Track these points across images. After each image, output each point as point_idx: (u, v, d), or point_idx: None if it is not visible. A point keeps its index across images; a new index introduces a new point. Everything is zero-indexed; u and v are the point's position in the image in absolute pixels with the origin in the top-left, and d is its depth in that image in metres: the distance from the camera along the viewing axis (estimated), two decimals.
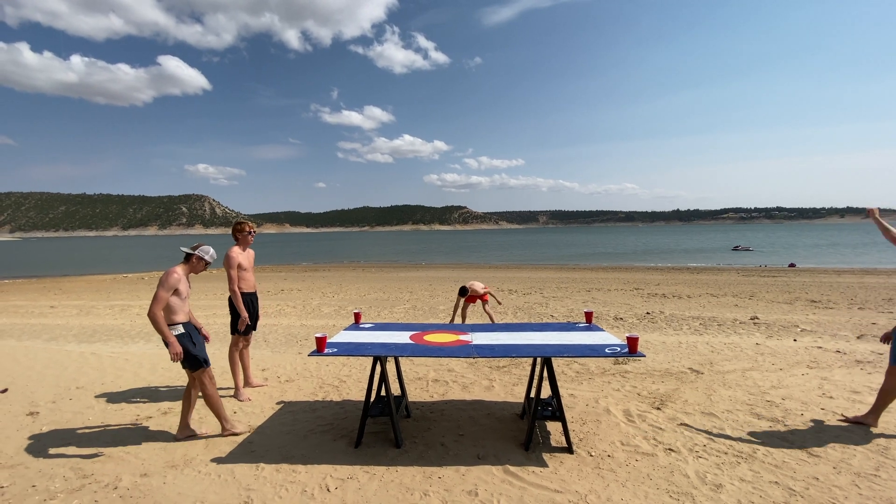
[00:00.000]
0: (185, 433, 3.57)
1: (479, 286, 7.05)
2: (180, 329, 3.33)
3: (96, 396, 4.59)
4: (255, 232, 4.56)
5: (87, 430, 3.77)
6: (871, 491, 2.71)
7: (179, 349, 3.26)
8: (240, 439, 3.54)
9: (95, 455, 3.32)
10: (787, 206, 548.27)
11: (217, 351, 6.38)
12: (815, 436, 3.44)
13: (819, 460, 3.08)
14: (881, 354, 5.54)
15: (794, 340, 6.43)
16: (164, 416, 4.05)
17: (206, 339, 3.75)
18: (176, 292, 3.31)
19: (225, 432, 3.56)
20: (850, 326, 7.30)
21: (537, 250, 46.32)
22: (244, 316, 4.39)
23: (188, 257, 3.44)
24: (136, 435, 3.67)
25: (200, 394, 3.52)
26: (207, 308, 10.39)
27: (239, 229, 4.50)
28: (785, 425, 3.63)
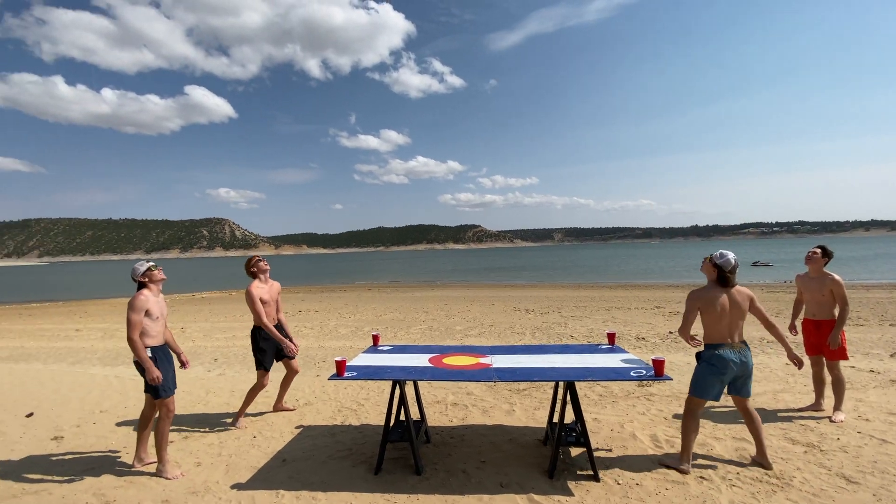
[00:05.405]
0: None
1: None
2: (149, 353, 3.32)
3: (119, 420, 4.65)
4: (264, 263, 4.36)
5: (110, 455, 3.81)
6: None
7: (157, 374, 3.28)
8: (260, 464, 3.52)
9: (118, 480, 3.34)
10: (810, 220, 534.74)
11: (230, 374, 6.42)
12: (853, 461, 3.28)
13: (858, 487, 2.93)
14: None
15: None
16: (185, 440, 4.07)
17: (184, 364, 3.77)
18: (147, 314, 3.30)
19: (158, 472, 3.38)
20: (883, 344, 7.01)
21: (553, 268, 45.94)
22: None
23: (141, 284, 3.40)
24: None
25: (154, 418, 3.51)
26: (227, 330, 10.51)
27: (251, 264, 4.34)
28: (821, 450, 3.47)
